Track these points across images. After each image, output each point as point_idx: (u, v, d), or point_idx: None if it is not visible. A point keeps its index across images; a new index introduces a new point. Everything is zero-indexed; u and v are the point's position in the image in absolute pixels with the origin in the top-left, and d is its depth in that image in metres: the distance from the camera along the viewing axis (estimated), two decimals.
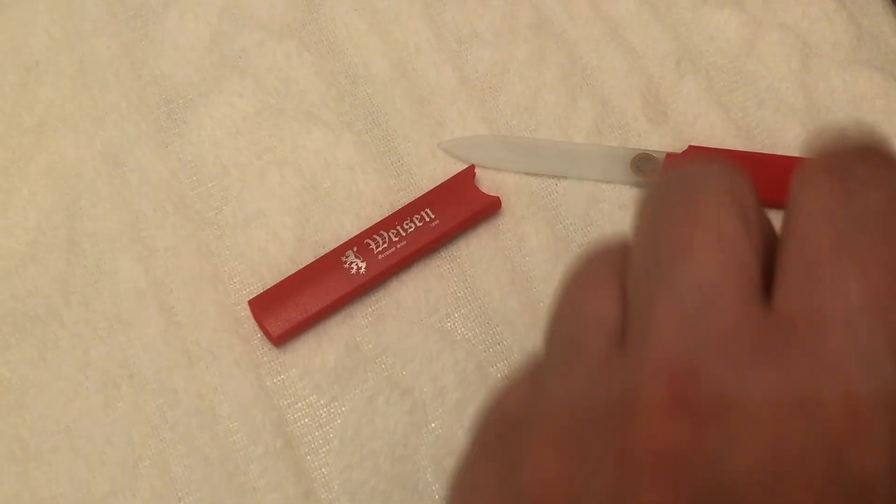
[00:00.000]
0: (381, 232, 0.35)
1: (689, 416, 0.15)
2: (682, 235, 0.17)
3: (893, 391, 0.14)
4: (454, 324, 0.35)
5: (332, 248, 0.35)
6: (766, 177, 0.36)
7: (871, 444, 0.14)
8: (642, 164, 0.37)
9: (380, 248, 0.35)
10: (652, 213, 0.18)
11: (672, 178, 0.19)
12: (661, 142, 0.38)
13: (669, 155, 0.37)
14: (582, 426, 0.16)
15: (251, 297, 0.35)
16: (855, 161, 0.18)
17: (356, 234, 0.36)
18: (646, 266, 0.17)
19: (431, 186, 0.37)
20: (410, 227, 0.35)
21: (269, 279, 0.36)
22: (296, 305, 0.34)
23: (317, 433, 0.33)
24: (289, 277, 0.35)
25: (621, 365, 0.16)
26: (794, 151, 0.38)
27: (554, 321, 0.19)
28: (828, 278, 0.16)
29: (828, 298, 0.15)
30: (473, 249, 0.36)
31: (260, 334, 0.35)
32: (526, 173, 0.38)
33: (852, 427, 0.14)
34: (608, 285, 0.18)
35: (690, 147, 0.37)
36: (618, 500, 0.15)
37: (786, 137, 0.38)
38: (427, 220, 0.36)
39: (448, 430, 0.33)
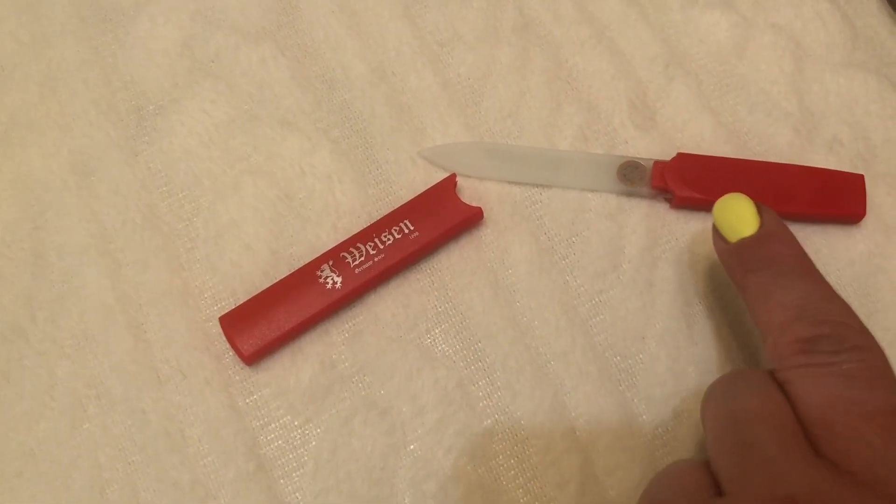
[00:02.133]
0: (359, 244, 0.34)
1: None
2: None
3: None
4: (434, 340, 0.34)
5: (307, 262, 0.34)
6: (757, 185, 0.35)
7: None
8: (629, 171, 0.36)
9: (357, 262, 0.34)
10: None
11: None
12: (649, 148, 0.37)
13: (658, 163, 0.35)
14: None
15: (222, 314, 0.33)
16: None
17: (332, 246, 0.34)
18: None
19: (411, 196, 0.35)
20: (389, 240, 0.34)
21: (242, 294, 0.34)
22: (269, 322, 0.33)
23: (291, 456, 0.32)
24: (261, 293, 0.34)
25: None
26: (786, 158, 0.36)
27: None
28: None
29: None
30: (454, 262, 0.35)
31: (231, 352, 0.34)
32: (509, 182, 0.36)
33: None
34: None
35: (679, 154, 0.35)
36: None
37: (778, 143, 0.37)
38: (406, 231, 0.34)
39: (428, 451, 0.32)
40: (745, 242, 0.28)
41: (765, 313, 0.26)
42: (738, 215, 0.28)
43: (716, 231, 0.29)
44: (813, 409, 0.23)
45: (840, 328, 0.24)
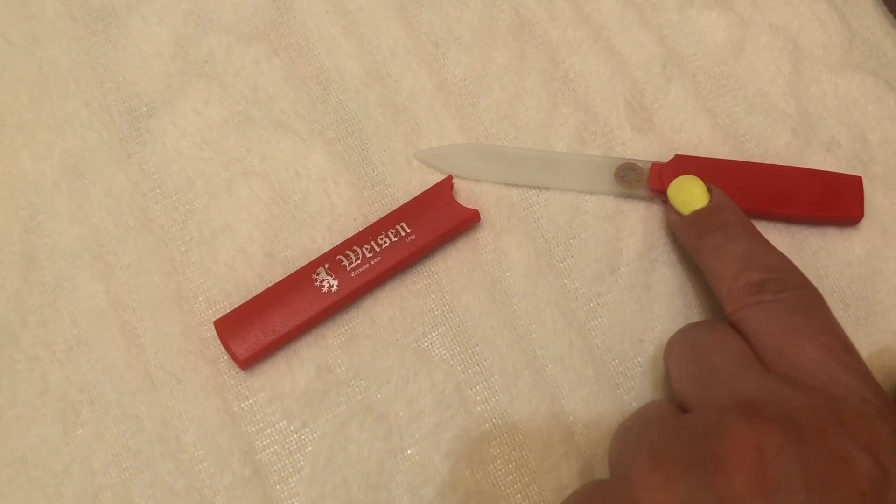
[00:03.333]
0: (355, 247, 0.34)
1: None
2: None
3: None
4: (431, 343, 0.34)
5: (302, 265, 0.34)
6: (755, 187, 0.35)
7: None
8: (627, 173, 0.35)
9: (353, 265, 0.33)
10: None
11: None
12: (647, 150, 0.37)
13: (655, 164, 0.35)
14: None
15: (217, 318, 0.33)
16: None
17: (328, 249, 0.34)
18: None
19: (407, 198, 0.35)
20: (385, 242, 0.34)
21: (237, 298, 0.34)
22: (264, 326, 0.33)
23: (287, 461, 0.32)
24: (257, 296, 0.33)
25: None
26: (784, 160, 0.36)
27: None
28: None
29: None
30: (451, 265, 0.35)
31: (226, 356, 0.33)
32: (506, 184, 0.36)
33: None
34: None
35: (677, 156, 0.35)
36: None
37: (776, 145, 0.37)
38: (403, 234, 0.34)
39: (425, 456, 0.32)
40: (699, 213, 0.32)
41: (719, 267, 0.30)
42: (691, 192, 0.33)
43: (670, 207, 0.34)
44: (764, 336, 0.27)
45: (783, 273, 0.28)
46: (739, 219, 0.31)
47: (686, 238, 0.33)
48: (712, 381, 0.26)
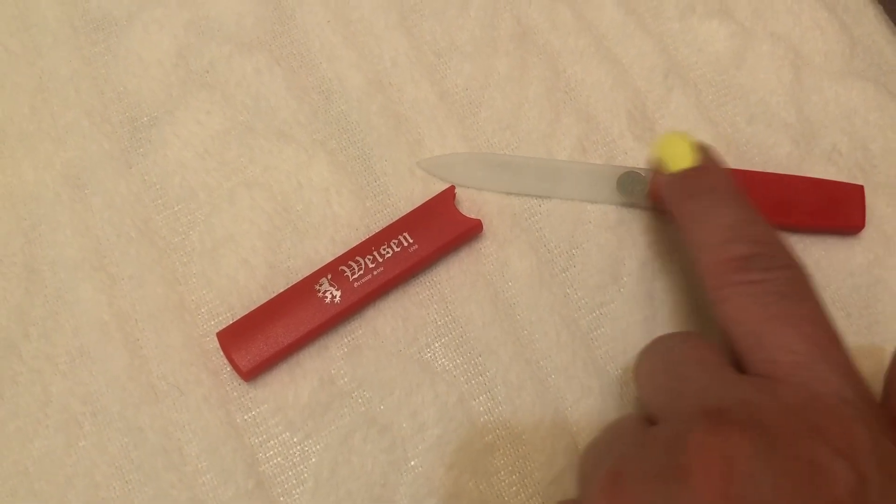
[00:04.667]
0: (357, 258, 0.34)
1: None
2: None
3: None
4: (434, 354, 0.33)
5: (305, 276, 0.34)
6: (757, 196, 0.35)
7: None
8: (629, 182, 0.35)
9: (356, 276, 0.33)
10: None
11: None
12: (649, 159, 0.37)
13: (656, 173, 0.35)
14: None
15: (220, 329, 0.33)
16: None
17: (331, 260, 0.34)
18: None
19: (410, 208, 0.35)
20: (388, 253, 0.34)
21: (239, 309, 0.34)
22: (267, 337, 0.33)
23: (290, 473, 0.32)
24: (259, 307, 0.33)
25: None
26: (786, 169, 0.36)
27: None
28: None
29: None
30: (454, 275, 0.35)
31: (229, 368, 0.33)
32: (508, 193, 0.36)
33: None
34: None
35: None
36: None
37: (778, 154, 0.37)
38: (405, 244, 0.34)
39: (429, 468, 0.32)
40: (687, 172, 0.30)
41: (702, 233, 0.28)
42: (680, 149, 0.31)
43: (655, 166, 0.32)
44: (746, 324, 0.26)
45: (772, 248, 0.27)
46: (729, 183, 0.29)
47: (670, 198, 0.31)
48: (682, 391, 0.25)
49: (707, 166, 0.31)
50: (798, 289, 0.26)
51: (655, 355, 0.28)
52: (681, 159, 0.31)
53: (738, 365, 0.26)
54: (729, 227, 0.27)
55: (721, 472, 0.21)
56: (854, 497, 0.21)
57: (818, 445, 0.22)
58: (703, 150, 0.31)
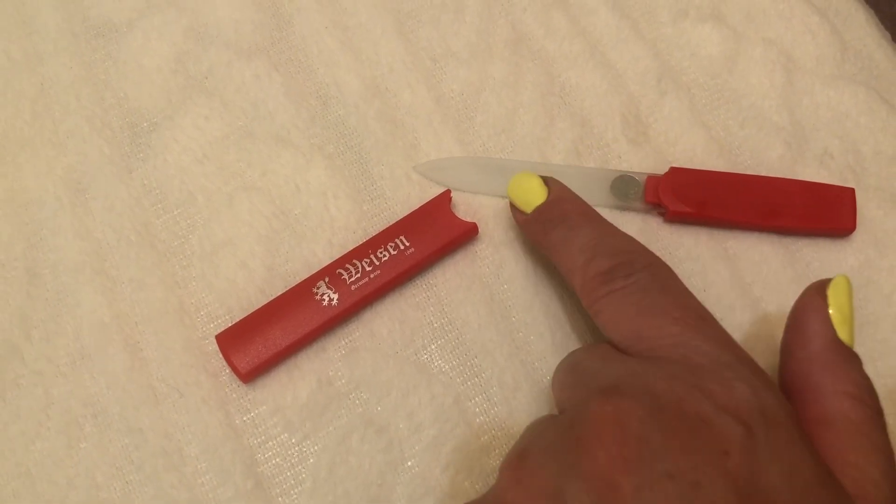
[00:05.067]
0: (354, 261, 0.34)
1: None
2: None
3: None
4: (431, 356, 0.34)
5: (303, 279, 0.34)
6: (749, 199, 0.35)
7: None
8: (623, 186, 0.36)
9: (353, 278, 0.34)
10: None
11: None
12: (643, 163, 0.37)
13: (651, 177, 0.36)
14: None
15: (219, 332, 0.34)
16: None
17: (328, 263, 0.34)
18: None
19: (406, 212, 0.35)
20: (384, 256, 0.34)
21: (238, 311, 0.34)
22: (265, 340, 0.33)
23: (288, 473, 0.32)
24: (258, 310, 0.34)
25: None
26: (778, 171, 0.37)
27: None
28: None
29: None
30: (450, 277, 0.35)
31: (228, 370, 0.34)
32: (503, 196, 0.37)
33: None
34: None
35: (672, 169, 0.36)
36: None
37: (770, 157, 0.37)
38: (402, 247, 0.34)
39: (425, 468, 0.32)
40: (540, 208, 0.32)
41: (568, 260, 0.30)
42: (530, 189, 0.33)
43: (514, 207, 0.34)
44: (622, 324, 0.27)
45: (629, 255, 0.29)
46: (579, 207, 0.31)
47: (533, 236, 0.33)
48: (582, 381, 0.27)
49: (555, 197, 0.32)
50: (661, 283, 0.28)
51: (563, 363, 0.29)
52: (532, 197, 0.32)
53: None
54: (587, 248, 0.29)
55: (615, 437, 0.23)
56: (742, 446, 0.22)
57: (703, 403, 0.23)
58: (550, 183, 0.33)
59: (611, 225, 0.31)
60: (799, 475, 0.22)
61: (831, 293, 0.27)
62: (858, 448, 0.24)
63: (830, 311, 0.27)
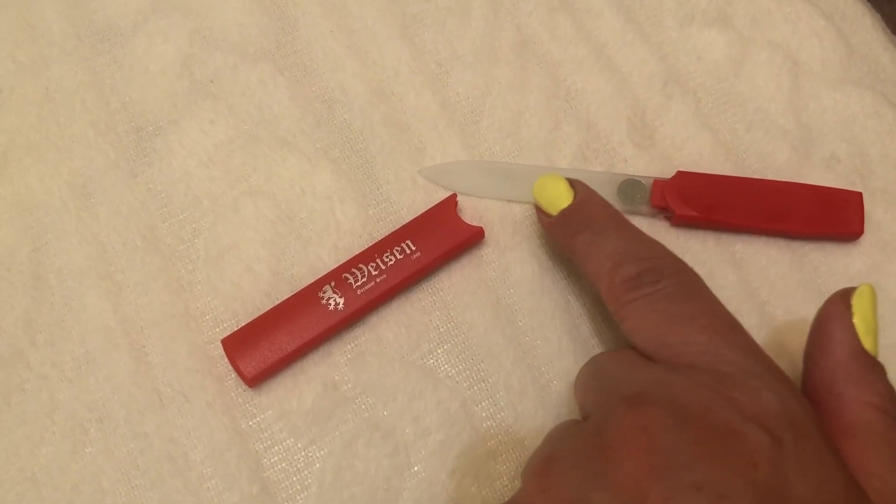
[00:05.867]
0: (360, 265, 0.34)
1: None
2: None
3: None
4: (437, 360, 0.34)
5: (308, 283, 0.34)
6: (756, 203, 0.35)
7: None
8: (629, 190, 0.36)
9: (359, 283, 0.34)
10: None
11: None
12: (649, 167, 0.37)
13: (657, 181, 0.36)
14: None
15: (224, 336, 0.33)
16: None
17: (334, 267, 0.34)
18: None
19: (412, 216, 0.35)
20: (391, 260, 0.34)
21: (243, 316, 0.34)
22: (271, 344, 0.33)
23: (294, 478, 0.32)
24: (263, 314, 0.34)
25: None
26: (784, 175, 0.37)
27: None
28: None
29: None
30: (456, 281, 0.35)
31: (234, 374, 0.33)
32: (509, 200, 0.36)
33: None
34: None
35: (678, 172, 0.35)
36: None
37: (777, 161, 0.37)
38: (408, 251, 0.34)
39: (432, 473, 0.32)
40: (565, 211, 0.32)
41: (594, 265, 0.30)
42: (556, 191, 0.32)
43: (539, 210, 0.33)
44: (648, 331, 0.27)
45: (657, 261, 0.28)
46: (606, 211, 0.31)
47: (558, 239, 0.32)
48: (606, 388, 0.26)
49: (581, 200, 0.32)
50: (688, 290, 0.27)
51: (586, 367, 0.29)
52: (558, 199, 0.32)
53: None
54: (614, 254, 0.29)
55: (643, 445, 0.23)
56: (770, 457, 0.22)
57: (730, 413, 0.23)
58: (576, 185, 0.32)
59: (637, 230, 0.30)
60: (827, 488, 0.22)
61: (856, 302, 0.27)
62: (882, 458, 0.24)
63: (854, 320, 0.27)
